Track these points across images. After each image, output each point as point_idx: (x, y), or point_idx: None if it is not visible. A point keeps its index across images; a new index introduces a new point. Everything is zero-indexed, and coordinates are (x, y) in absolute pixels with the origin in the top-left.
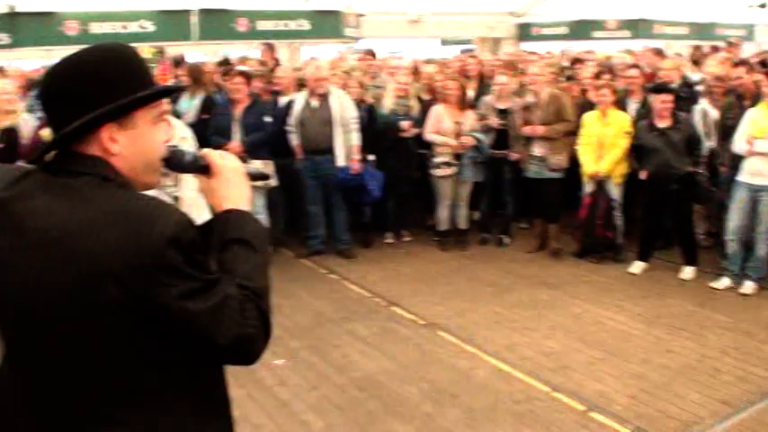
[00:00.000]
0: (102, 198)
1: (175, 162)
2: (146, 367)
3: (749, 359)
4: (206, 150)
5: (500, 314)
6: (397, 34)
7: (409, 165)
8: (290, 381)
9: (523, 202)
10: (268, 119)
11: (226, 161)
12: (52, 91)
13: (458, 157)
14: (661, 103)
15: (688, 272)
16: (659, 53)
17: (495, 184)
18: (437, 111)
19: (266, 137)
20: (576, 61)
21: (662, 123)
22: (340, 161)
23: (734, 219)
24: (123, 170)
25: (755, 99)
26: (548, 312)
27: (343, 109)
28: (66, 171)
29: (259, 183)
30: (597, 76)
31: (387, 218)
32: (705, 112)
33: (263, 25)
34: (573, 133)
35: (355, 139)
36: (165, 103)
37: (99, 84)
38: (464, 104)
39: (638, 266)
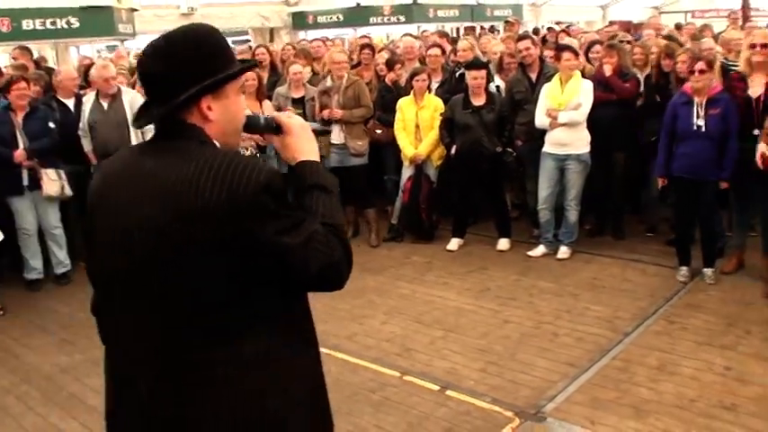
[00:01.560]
0: (204, 155)
1: (252, 125)
2: (241, 299)
3: (582, 320)
4: (275, 113)
5: (332, 306)
6: (170, 28)
7: None
8: None
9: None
10: (52, 125)
11: (293, 120)
12: (155, 68)
13: (261, 149)
14: (474, 79)
15: (504, 243)
16: (444, 35)
17: None
18: None
19: (51, 144)
20: (366, 47)
21: (477, 101)
22: None
23: (544, 188)
24: (215, 134)
25: (540, 70)
26: (377, 298)
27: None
28: (171, 136)
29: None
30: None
31: None
32: (499, 88)
33: (28, 24)
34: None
35: None
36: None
37: (199, 61)
38: (262, 95)
39: (454, 243)
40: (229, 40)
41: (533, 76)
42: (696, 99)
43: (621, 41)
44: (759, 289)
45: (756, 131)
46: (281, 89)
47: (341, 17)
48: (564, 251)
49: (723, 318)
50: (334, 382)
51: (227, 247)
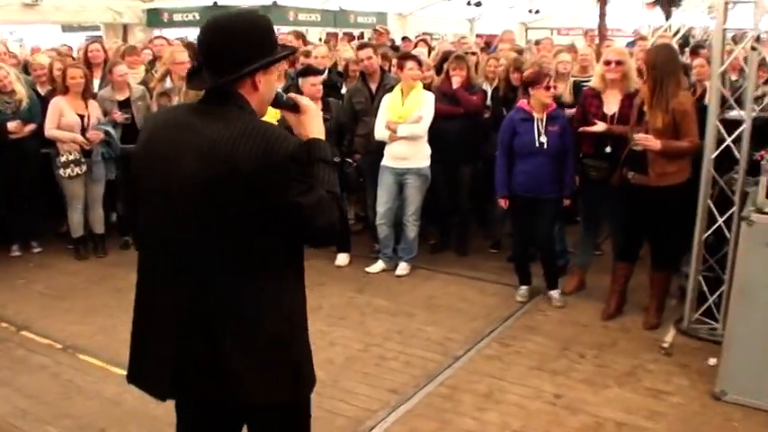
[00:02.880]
0: (244, 121)
1: (278, 101)
2: (262, 240)
3: (413, 342)
4: (293, 94)
5: None
6: (11, 19)
7: (27, 166)
8: None
9: None
10: None
11: (310, 103)
12: (216, 40)
13: (87, 153)
14: (310, 86)
15: (342, 258)
16: (300, 36)
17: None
18: (57, 103)
19: None
20: None
21: None
22: None
23: (382, 203)
24: (256, 103)
25: (381, 80)
26: None
27: None
28: (219, 101)
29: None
30: None
31: (11, 227)
32: None
33: None
34: None
35: None
36: None
37: (256, 43)
38: (89, 94)
39: None
40: (79, 35)
41: (374, 86)
42: (537, 115)
43: (467, 53)
44: (599, 310)
45: (609, 149)
46: (104, 92)
47: (197, 16)
48: (403, 267)
49: (558, 341)
50: (132, 413)
51: (254, 201)
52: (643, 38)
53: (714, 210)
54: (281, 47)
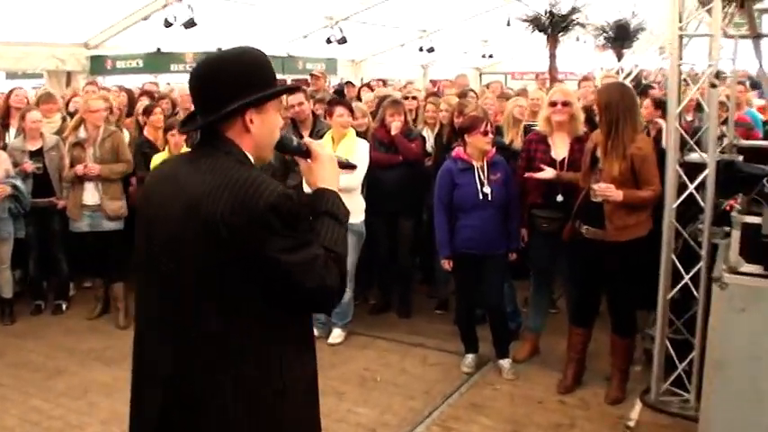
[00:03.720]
0: (223, 170)
1: (285, 145)
2: (247, 306)
3: (339, 428)
4: (308, 139)
5: (41, 411)
6: None
7: None
8: None
9: (82, 257)
10: None
11: (323, 150)
12: (204, 81)
13: None
14: None
15: None
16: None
17: (44, 239)
18: None
19: None
20: (145, 94)
21: None
22: None
23: None
24: (250, 146)
25: (314, 127)
26: (103, 399)
27: None
28: (208, 145)
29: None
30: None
31: None
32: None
33: None
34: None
35: None
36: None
37: (244, 79)
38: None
39: None
40: (23, 82)
41: (306, 133)
42: (476, 163)
43: (407, 97)
44: (555, 381)
45: (560, 197)
46: (15, 142)
47: (141, 63)
48: (336, 335)
49: (508, 422)
50: None
51: (232, 260)
52: (586, 78)
53: (679, 265)
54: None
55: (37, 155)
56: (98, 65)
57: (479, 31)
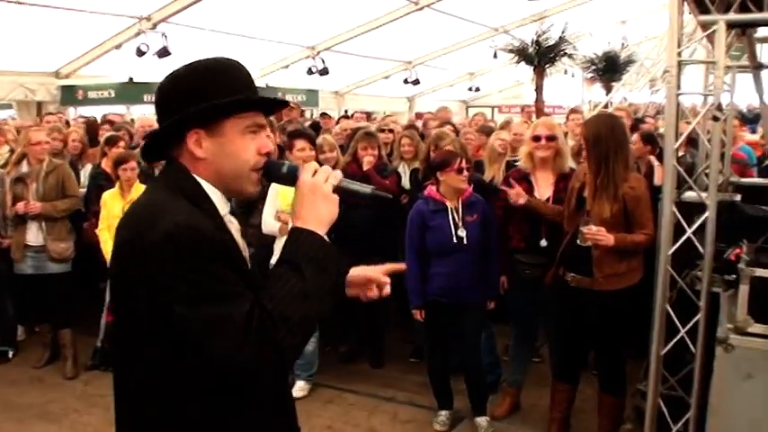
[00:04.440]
0: (149, 195)
1: (272, 173)
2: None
3: None
4: (305, 163)
5: None
6: None
7: None
8: None
9: (27, 300)
10: None
11: (306, 176)
12: (158, 99)
13: None
14: None
15: None
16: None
17: None
18: None
19: None
20: (107, 123)
21: None
22: None
23: None
24: (207, 174)
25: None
26: None
27: None
28: (160, 175)
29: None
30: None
31: None
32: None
33: None
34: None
35: None
36: (260, 116)
37: (184, 93)
38: None
39: None
40: None
41: None
42: (450, 204)
43: (382, 130)
44: None
45: (544, 242)
46: None
47: (112, 93)
48: (300, 387)
49: None
50: None
51: (141, 306)
52: (575, 110)
53: (674, 317)
54: (244, 96)
55: None
56: (69, 95)
57: (465, 64)
